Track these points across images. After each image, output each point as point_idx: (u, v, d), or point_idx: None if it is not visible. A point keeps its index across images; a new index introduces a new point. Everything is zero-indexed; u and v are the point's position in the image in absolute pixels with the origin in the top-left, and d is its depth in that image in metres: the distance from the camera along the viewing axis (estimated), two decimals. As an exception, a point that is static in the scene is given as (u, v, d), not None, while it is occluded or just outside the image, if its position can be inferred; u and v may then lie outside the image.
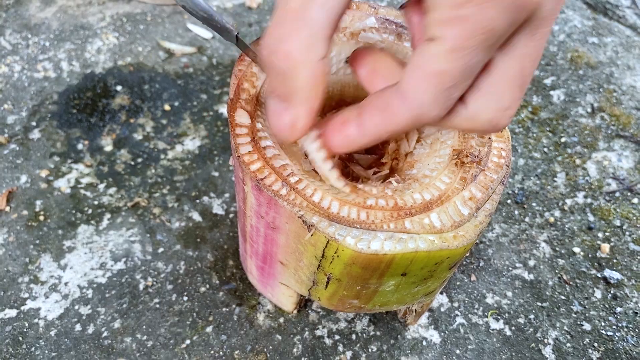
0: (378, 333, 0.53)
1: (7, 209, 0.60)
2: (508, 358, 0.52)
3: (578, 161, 0.65)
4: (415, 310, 0.51)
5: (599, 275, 0.57)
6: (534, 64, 0.29)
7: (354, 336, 0.53)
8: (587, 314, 0.55)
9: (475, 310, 0.55)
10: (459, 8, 0.26)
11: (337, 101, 0.47)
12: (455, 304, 0.55)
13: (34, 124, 0.67)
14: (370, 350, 0.52)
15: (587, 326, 0.54)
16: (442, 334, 0.54)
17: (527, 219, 0.61)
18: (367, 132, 0.31)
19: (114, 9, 0.78)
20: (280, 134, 0.31)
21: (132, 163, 0.64)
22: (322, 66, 0.29)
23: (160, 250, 0.57)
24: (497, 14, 0.26)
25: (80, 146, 0.65)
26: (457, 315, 0.55)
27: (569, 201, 0.62)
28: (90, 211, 0.60)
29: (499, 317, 0.55)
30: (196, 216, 0.60)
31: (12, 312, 0.53)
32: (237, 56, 0.73)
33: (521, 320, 0.55)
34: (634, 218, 0.61)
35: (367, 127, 0.31)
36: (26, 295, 0.54)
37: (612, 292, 0.56)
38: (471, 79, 0.28)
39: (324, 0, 0.27)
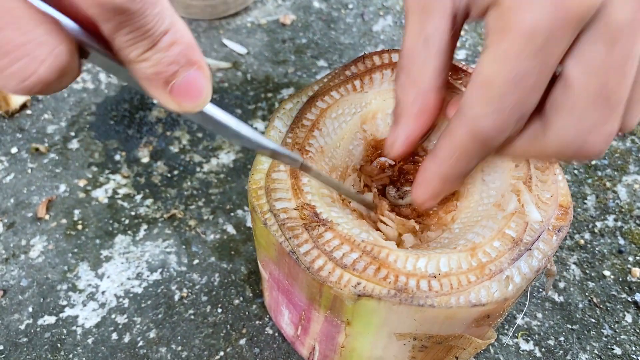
0: (409, 351, 0.54)
1: (47, 217, 0.61)
2: (538, 380, 0.53)
3: (608, 184, 0.65)
4: None
5: (629, 299, 0.58)
6: (620, 79, 0.27)
7: (385, 353, 0.54)
8: (617, 338, 0.55)
9: (506, 331, 0.55)
10: (501, 16, 0.27)
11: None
12: (486, 324, 0.56)
13: (72, 134, 0.69)
14: (401, 367, 0.53)
15: (617, 350, 0.54)
16: (473, 353, 0.54)
17: (557, 241, 0.61)
18: (441, 167, 0.32)
19: (150, 22, 0.80)
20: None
21: (169, 175, 0.65)
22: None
23: (196, 262, 0.59)
24: (534, 14, 0.25)
25: (117, 157, 0.66)
26: (488, 335, 0.55)
27: (599, 224, 0.62)
28: (127, 221, 0.61)
29: (529, 338, 0.55)
30: (230, 229, 0.61)
31: (51, 319, 0.55)
32: (272, 74, 0.74)
33: (551, 342, 0.55)
34: (665, 243, 0.61)
35: (439, 159, 0.32)
36: (65, 302, 0.56)
37: (642, 316, 0.56)
38: (529, 90, 0.27)
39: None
